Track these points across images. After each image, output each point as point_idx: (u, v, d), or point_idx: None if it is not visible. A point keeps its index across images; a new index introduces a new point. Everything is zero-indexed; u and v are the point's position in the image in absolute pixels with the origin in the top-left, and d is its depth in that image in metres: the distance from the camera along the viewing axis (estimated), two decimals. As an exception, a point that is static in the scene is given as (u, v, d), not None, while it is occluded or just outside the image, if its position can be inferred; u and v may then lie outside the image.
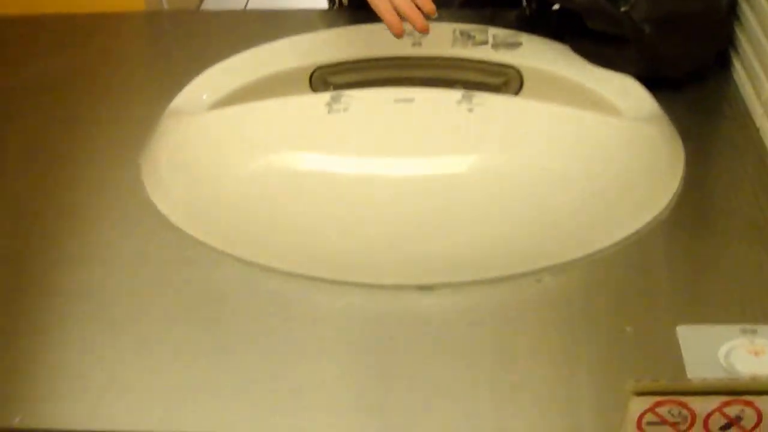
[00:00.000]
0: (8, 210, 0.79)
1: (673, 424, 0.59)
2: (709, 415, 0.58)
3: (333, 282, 0.71)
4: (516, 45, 0.85)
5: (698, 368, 0.65)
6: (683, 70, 0.85)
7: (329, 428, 0.63)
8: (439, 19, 0.79)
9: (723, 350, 0.65)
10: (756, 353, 0.65)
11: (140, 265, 0.74)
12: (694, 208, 0.76)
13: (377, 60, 0.86)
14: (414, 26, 0.76)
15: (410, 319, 0.69)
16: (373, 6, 0.77)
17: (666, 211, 0.75)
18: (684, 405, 0.58)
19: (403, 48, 0.85)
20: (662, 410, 0.58)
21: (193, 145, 0.79)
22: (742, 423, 0.58)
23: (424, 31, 0.77)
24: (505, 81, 0.85)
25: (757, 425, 0.58)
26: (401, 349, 0.67)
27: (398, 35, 0.76)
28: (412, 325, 0.68)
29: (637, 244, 0.73)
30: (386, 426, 0.63)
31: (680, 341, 0.66)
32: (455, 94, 0.74)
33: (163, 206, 0.78)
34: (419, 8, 0.76)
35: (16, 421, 0.63)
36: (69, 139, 0.86)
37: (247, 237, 0.74)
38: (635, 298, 0.69)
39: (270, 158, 0.75)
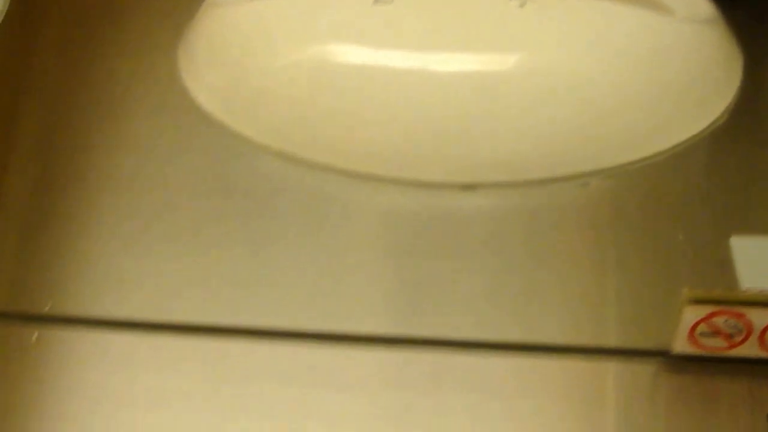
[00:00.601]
0: (42, 97, 0.77)
1: (727, 336, 0.57)
2: (766, 328, 0.56)
3: (372, 178, 0.69)
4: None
5: (751, 280, 0.62)
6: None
7: (361, 325, 0.61)
8: None
9: (778, 262, 0.63)
10: (814, 267, 0.63)
11: (174, 155, 0.71)
12: (751, 115, 0.72)
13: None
14: None
15: (451, 218, 0.67)
16: None
17: (722, 118, 0.72)
18: (741, 316, 0.56)
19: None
20: (717, 320, 0.56)
21: (233, 35, 0.76)
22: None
23: None
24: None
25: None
26: (440, 248, 0.65)
27: None
28: (452, 224, 0.66)
29: (691, 151, 0.70)
30: (420, 323, 0.61)
31: (733, 252, 0.63)
32: (506, -12, 0.71)
33: (200, 97, 0.75)
34: None
35: (46, 309, 0.62)
36: (106, 28, 0.83)
37: (286, 130, 0.72)
38: (688, 206, 0.67)
39: (312, 50, 0.72)
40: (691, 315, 0.56)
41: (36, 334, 0.61)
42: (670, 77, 0.71)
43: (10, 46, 0.80)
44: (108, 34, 0.82)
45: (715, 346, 0.57)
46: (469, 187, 0.68)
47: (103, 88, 0.77)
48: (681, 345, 0.58)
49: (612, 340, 0.61)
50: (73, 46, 0.81)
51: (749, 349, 0.57)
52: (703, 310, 0.56)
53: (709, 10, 0.76)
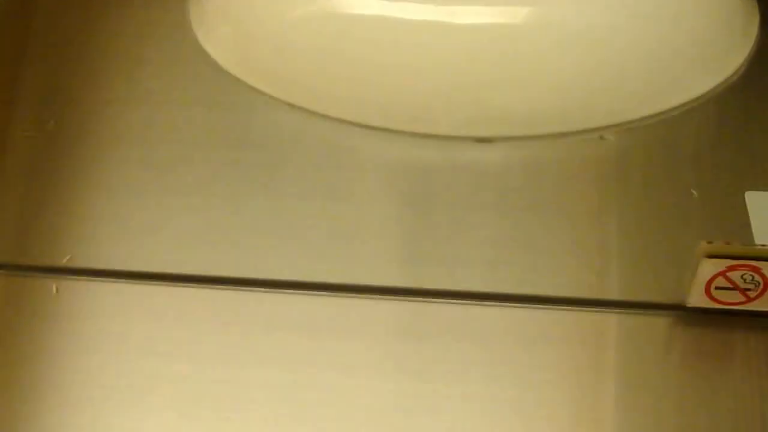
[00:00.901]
0: (52, 50, 0.76)
1: (744, 291, 0.57)
2: (782, 282, 0.56)
3: (386, 130, 0.69)
4: None
5: (766, 235, 0.62)
6: None
7: (372, 277, 0.62)
8: None
9: (793, 218, 0.63)
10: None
11: (186, 107, 0.71)
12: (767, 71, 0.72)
13: None
14: None
15: (466, 171, 0.66)
16: None
17: (738, 73, 0.71)
18: (757, 270, 0.56)
19: None
20: (734, 275, 0.56)
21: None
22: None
23: None
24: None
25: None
26: (453, 200, 0.65)
27: None
28: (467, 176, 0.66)
29: (707, 107, 0.70)
30: (430, 275, 0.62)
31: (748, 207, 0.64)
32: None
33: (211, 48, 0.74)
34: None
35: (65, 260, 0.62)
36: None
37: (298, 81, 0.71)
38: (703, 161, 0.67)
39: (323, 2, 0.72)
40: (708, 269, 0.56)
41: (55, 286, 0.61)
42: (686, 32, 0.71)
43: (19, 2, 0.79)
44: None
45: (731, 300, 0.58)
46: (484, 140, 0.68)
47: (112, 40, 0.76)
48: (697, 299, 0.58)
49: (627, 293, 0.61)
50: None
51: (765, 303, 0.57)
52: (720, 265, 0.56)
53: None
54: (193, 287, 0.61)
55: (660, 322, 0.60)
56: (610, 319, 0.60)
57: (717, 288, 0.57)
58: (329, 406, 0.58)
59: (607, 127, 0.68)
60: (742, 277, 0.56)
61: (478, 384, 0.59)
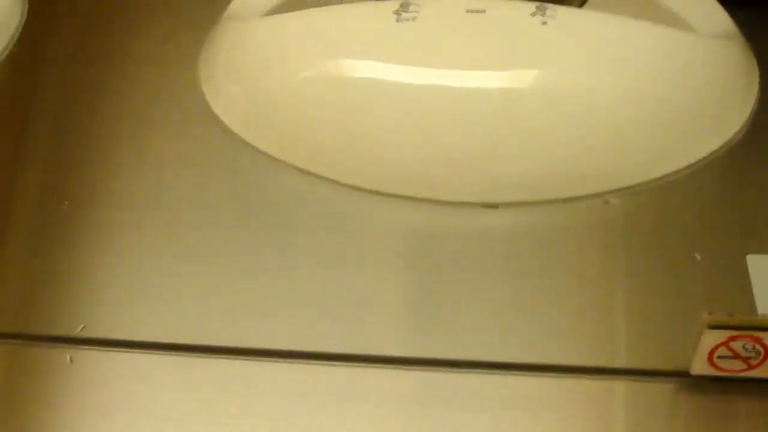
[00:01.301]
0: (59, 110, 0.77)
1: (745, 359, 0.58)
2: (784, 352, 0.57)
3: (394, 196, 0.70)
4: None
5: (767, 298, 0.63)
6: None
7: (379, 346, 0.63)
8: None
9: (795, 282, 0.64)
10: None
11: (194, 170, 0.72)
12: (768, 132, 0.73)
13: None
14: None
15: (473, 237, 0.67)
16: None
17: (739, 134, 0.73)
18: (758, 340, 0.57)
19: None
20: (736, 344, 0.57)
21: (253, 50, 0.76)
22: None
23: None
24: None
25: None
26: (461, 266, 0.66)
27: None
28: (474, 242, 0.67)
29: (709, 169, 0.71)
30: (437, 344, 0.63)
31: (750, 270, 0.64)
32: (529, 6, 0.71)
33: (220, 111, 0.76)
34: None
35: (79, 330, 0.63)
36: (125, 37, 0.83)
37: (307, 146, 0.72)
38: (705, 224, 0.68)
39: (333, 66, 0.73)
40: (711, 339, 0.57)
41: (69, 356, 0.62)
42: (689, 94, 0.72)
43: (28, 58, 0.80)
44: (127, 43, 0.82)
45: (733, 368, 0.58)
46: (491, 206, 0.69)
47: (122, 99, 0.78)
48: (700, 367, 0.59)
49: (631, 361, 0.62)
50: (91, 56, 0.81)
51: (766, 371, 0.58)
52: (722, 336, 0.57)
53: (728, 25, 0.77)
54: (200, 357, 0.62)
55: (665, 389, 0.60)
56: (617, 387, 0.61)
57: (719, 357, 0.58)
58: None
59: (612, 192, 0.69)
60: (743, 346, 0.57)
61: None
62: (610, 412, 0.60)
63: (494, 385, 0.61)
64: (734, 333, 0.57)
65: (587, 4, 0.81)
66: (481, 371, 0.61)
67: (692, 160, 0.71)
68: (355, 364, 0.62)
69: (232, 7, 0.80)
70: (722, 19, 0.77)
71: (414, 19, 0.72)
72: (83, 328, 0.63)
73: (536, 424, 0.60)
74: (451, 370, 0.62)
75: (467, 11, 0.72)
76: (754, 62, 0.77)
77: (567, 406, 0.60)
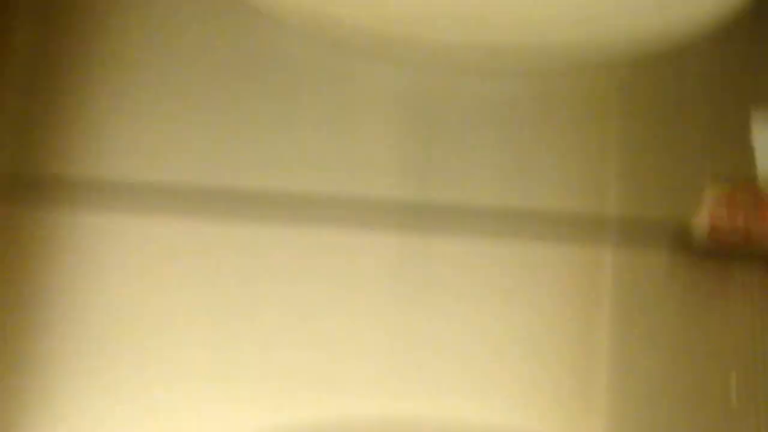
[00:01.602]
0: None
1: (744, 211, 0.59)
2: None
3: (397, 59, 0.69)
4: None
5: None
6: None
7: (377, 186, 0.64)
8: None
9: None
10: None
11: (200, 30, 0.71)
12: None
13: None
14: None
15: (474, 100, 0.67)
16: None
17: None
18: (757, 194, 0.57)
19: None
20: (738, 198, 0.58)
21: None
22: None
23: None
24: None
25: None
26: (461, 122, 0.66)
27: None
28: (475, 104, 0.67)
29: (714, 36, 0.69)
30: (434, 185, 0.64)
31: (753, 129, 0.64)
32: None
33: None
34: None
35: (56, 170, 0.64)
36: None
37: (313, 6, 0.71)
38: (713, 87, 0.67)
39: None
40: (715, 191, 0.58)
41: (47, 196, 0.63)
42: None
43: None
44: None
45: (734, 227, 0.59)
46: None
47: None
48: (702, 223, 0.59)
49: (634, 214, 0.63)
50: None
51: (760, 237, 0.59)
52: (726, 188, 0.57)
53: None
54: (194, 197, 0.63)
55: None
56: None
57: (720, 217, 0.59)
58: (334, 319, 0.61)
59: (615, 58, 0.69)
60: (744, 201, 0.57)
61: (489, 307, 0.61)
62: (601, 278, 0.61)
63: (486, 248, 0.62)
64: (738, 186, 0.57)
65: None
66: (474, 235, 0.62)
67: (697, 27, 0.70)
68: (351, 205, 0.63)
69: None
70: None
71: None
72: (60, 167, 0.64)
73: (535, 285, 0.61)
74: (438, 214, 0.63)
75: None
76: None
77: (556, 262, 0.62)
